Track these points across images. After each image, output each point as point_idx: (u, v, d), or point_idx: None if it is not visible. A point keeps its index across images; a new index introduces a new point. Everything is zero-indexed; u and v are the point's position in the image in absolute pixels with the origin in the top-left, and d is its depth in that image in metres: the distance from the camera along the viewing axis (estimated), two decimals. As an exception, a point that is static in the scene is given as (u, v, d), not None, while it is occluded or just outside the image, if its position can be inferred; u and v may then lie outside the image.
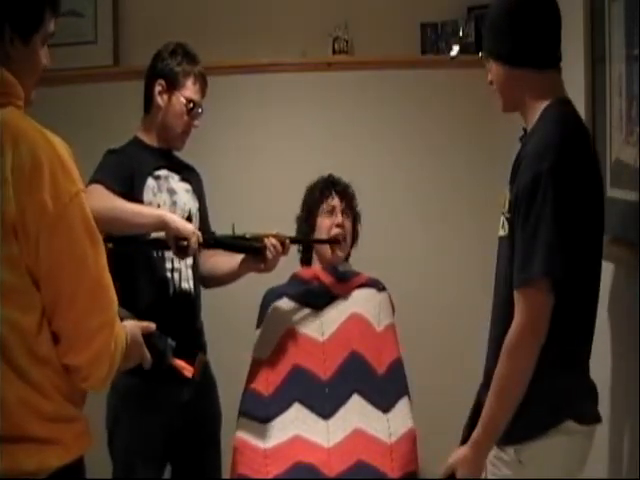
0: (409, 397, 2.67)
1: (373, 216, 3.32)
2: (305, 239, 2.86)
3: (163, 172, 2.58)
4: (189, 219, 2.59)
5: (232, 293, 2.79)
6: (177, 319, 2.41)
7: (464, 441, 1.91)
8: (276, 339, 2.75)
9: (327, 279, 2.83)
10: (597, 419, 1.89)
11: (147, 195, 2.50)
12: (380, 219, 3.44)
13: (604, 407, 1.98)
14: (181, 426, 2.55)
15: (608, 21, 2.07)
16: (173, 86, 2.55)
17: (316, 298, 2.80)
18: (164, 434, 2.52)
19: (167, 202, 2.55)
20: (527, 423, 1.81)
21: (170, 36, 2.68)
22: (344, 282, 2.84)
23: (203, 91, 2.62)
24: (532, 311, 1.76)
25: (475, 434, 1.86)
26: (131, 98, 2.64)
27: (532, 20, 1.87)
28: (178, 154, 2.68)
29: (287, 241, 2.60)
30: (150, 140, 2.60)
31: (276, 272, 2.66)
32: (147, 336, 1.80)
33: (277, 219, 2.97)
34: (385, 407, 2.62)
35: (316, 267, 2.88)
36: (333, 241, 2.81)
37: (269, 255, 2.54)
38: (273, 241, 2.55)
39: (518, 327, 1.77)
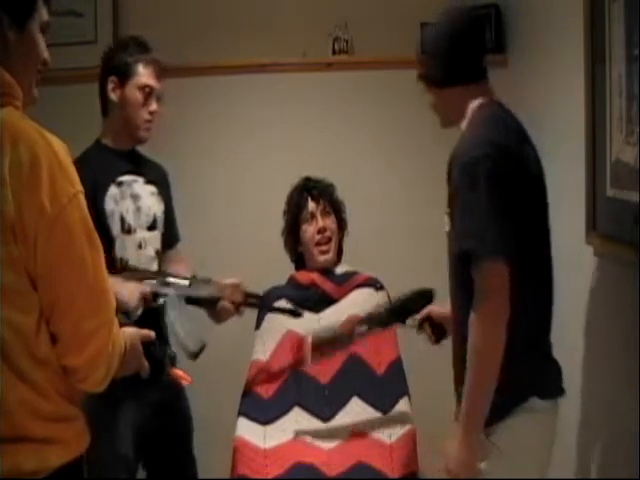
0: (409, 397, 2.67)
1: (372, 216, 3.32)
2: (267, 305, 2.77)
3: (127, 177, 2.56)
4: (154, 224, 2.60)
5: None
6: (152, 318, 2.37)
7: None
8: (275, 341, 2.75)
9: (325, 284, 2.83)
10: (560, 392, 1.96)
11: (109, 204, 2.49)
12: (379, 219, 3.43)
13: (603, 407, 1.97)
14: (152, 427, 2.54)
15: (608, 21, 2.06)
16: (125, 78, 2.52)
17: (315, 304, 2.81)
18: (135, 435, 2.50)
19: (130, 209, 2.54)
20: (494, 406, 1.86)
21: (170, 36, 2.69)
22: (342, 284, 2.84)
23: (158, 75, 2.56)
24: (485, 280, 1.84)
25: (459, 426, 1.90)
26: (131, 98, 2.62)
27: (457, 45, 2.06)
28: (144, 150, 2.64)
29: (243, 299, 2.57)
30: (113, 142, 2.57)
31: (275, 271, 2.65)
32: (146, 345, 1.79)
33: (276, 220, 2.98)
34: (385, 408, 2.61)
35: (313, 272, 2.87)
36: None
37: (223, 317, 2.57)
38: (227, 305, 2.55)
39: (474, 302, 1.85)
